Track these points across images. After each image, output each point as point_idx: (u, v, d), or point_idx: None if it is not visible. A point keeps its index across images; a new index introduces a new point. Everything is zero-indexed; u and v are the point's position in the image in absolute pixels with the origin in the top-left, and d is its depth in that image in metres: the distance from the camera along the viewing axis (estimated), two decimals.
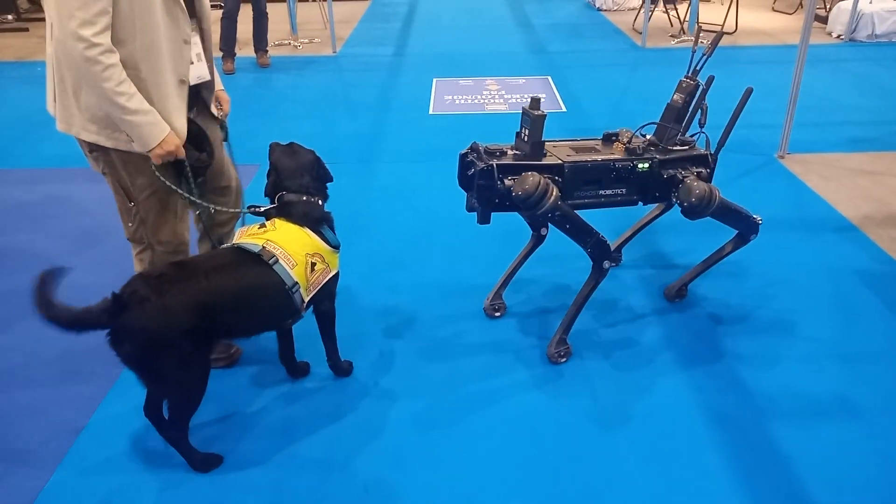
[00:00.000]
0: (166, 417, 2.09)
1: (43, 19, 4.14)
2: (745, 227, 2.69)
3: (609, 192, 2.50)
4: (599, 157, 2.44)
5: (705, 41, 2.49)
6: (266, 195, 2.32)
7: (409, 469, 2.11)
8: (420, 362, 2.57)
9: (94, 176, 2.29)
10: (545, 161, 2.38)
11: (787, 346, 2.61)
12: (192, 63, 2.19)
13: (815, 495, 1.99)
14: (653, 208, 2.98)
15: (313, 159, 2.32)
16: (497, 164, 2.29)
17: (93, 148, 2.14)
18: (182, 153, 2.13)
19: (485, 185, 2.31)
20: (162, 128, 2.05)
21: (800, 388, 2.40)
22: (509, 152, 2.40)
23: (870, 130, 4.76)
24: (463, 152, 2.42)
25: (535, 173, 2.26)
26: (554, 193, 2.24)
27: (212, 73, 2.34)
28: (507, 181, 2.28)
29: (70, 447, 2.19)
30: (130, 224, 2.27)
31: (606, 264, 2.46)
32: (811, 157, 4.31)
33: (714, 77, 2.56)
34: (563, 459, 2.14)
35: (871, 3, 7.19)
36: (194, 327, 1.92)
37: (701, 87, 2.52)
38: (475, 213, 2.43)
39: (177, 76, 2.11)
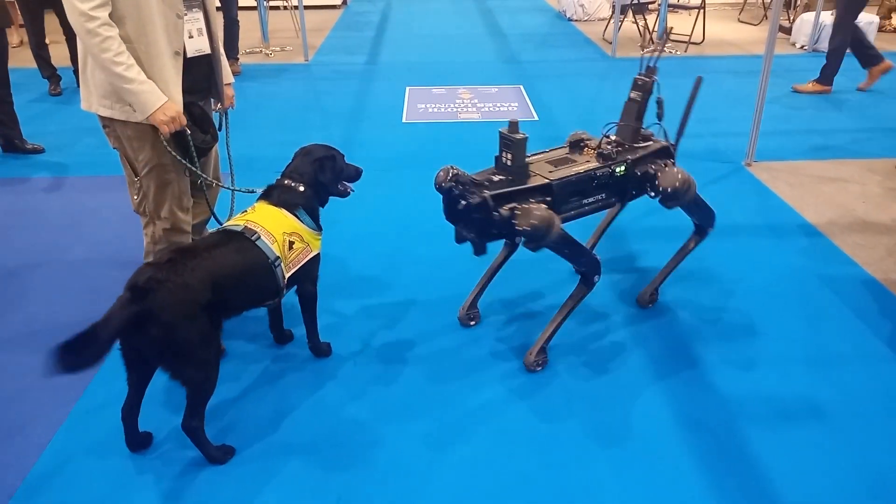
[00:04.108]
0: (139, 423, 2.13)
1: None
2: (707, 220, 2.79)
3: (591, 199, 2.52)
4: (582, 169, 2.45)
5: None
6: None
7: (384, 481, 2.10)
8: (393, 373, 2.56)
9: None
10: (532, 182, 2.36)
11: (756, 350, 2.66)
12: (192, 37, 2.39)
13: (785, 497, 2.02)
14: (607, 213, 3.02)
15: (316, 158, 2.43)
16: (491, 195, 2.25)
17: (105, 123, 2.38)
18: (184, 119, 2.29)
19: (480, 218, 2.26)
20: (159, 96, 2.25)
21: (768, 392, 2.44)
22: (494, 178, 2.35)
23: (833, 138, 4.88)
24: (447, 186, 2.34)
25: (539, 206, 2.25)
26: (556, 224, 2.25)
27: (219, 62, 2.54)
28: (503, 211, 2.25)
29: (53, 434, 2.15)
30: (136, 197, 2.50)
31: (596, 279, 2.49)
32: (777, 165, 4.40)
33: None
34: (537, 467, 2.14)
35: (832, 14, 7.37)
36: (209, 302, 2.01)
37: (656, 83, 2.60)
38: (455, 236, 2.43)
39: (171, 49, 2.30)
